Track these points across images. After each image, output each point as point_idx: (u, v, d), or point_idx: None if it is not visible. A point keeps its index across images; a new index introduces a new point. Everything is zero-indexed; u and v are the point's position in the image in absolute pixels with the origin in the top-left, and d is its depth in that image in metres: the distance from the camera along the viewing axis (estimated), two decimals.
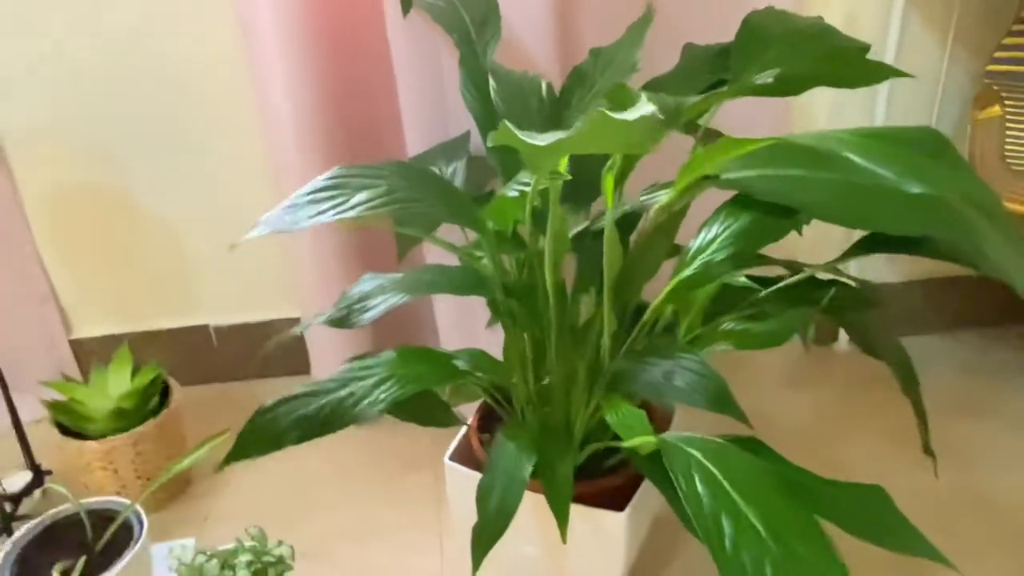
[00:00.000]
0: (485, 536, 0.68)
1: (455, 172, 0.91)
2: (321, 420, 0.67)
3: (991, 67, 1.11)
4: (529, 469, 0.69)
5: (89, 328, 1.34)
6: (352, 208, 0.55)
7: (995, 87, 1.12)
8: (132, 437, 1.04)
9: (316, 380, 0.69)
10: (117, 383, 1.10)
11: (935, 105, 1.23)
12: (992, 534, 0.99)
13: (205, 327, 1.34)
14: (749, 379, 1.33)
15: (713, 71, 0.85)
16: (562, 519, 0.68)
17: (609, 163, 0.58)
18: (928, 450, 0.82)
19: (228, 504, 1.12)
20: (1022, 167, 1.10)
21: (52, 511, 0.91)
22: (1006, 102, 1.11)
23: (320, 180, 0.57)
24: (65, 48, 1.14)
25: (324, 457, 1.19)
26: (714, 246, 0.64)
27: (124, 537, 0.89)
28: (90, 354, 1.33)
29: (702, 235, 0.65)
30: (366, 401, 0.67)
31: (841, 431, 1.18)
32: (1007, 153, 1.11)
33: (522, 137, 0.46)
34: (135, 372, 1.11)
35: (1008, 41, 1.09)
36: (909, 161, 0.46)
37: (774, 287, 0.70)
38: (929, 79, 1.22)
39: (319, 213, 0.55)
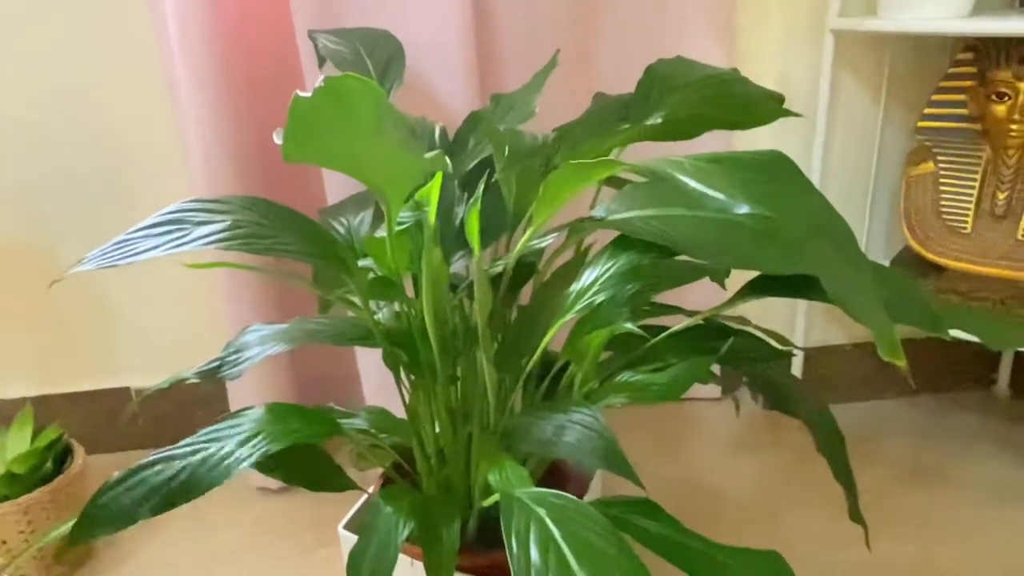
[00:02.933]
0: None
1: (362, 221, 0.87)
2: (178, 487, 0.61)
3: (922, 123, 1.10)
4: (403, 536, 0.63)
5: (8, 389, 1.28)
6: (190, 243, 0.51)
7: (927, 143, 1.11)
8: (22, 504, 0.97)
9: (175, 444, 0.63)
10: (15, 446, 1.04)
11: (873, 161, 1.22)
12: None
13: (126, 389, 1.28)
14: (699, 442, 1.27)
15: (622, 119, 0.83)
16: None
17: (473, 198, 0.55)
18: (856, 517, 0.76)
19: None
20: (957, 223, 1.07)
21: None
22: (939, 158, 1.10)
23: (158, 215, 0.53)
24: None
25: (237, 529, 1.12)
26: (594, 288, 0.60)
27: None
28: (7, 417, 1.27)
29: (584, 277, 0.61)
30: (229, 460, 0.61)
31: (792, 499, 1.11)
32: (942, 209, 1.09)
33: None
34: (36, 434, 1.05)
35: (937, 97, 1.08)
36: (744, 183, 0.43)
37: (662, 335, 0.65)
38: (866, 135, 1.21)
39: (152, 248, 0.51)
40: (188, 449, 0.63)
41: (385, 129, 0.39)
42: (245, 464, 0.63)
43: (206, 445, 0.63)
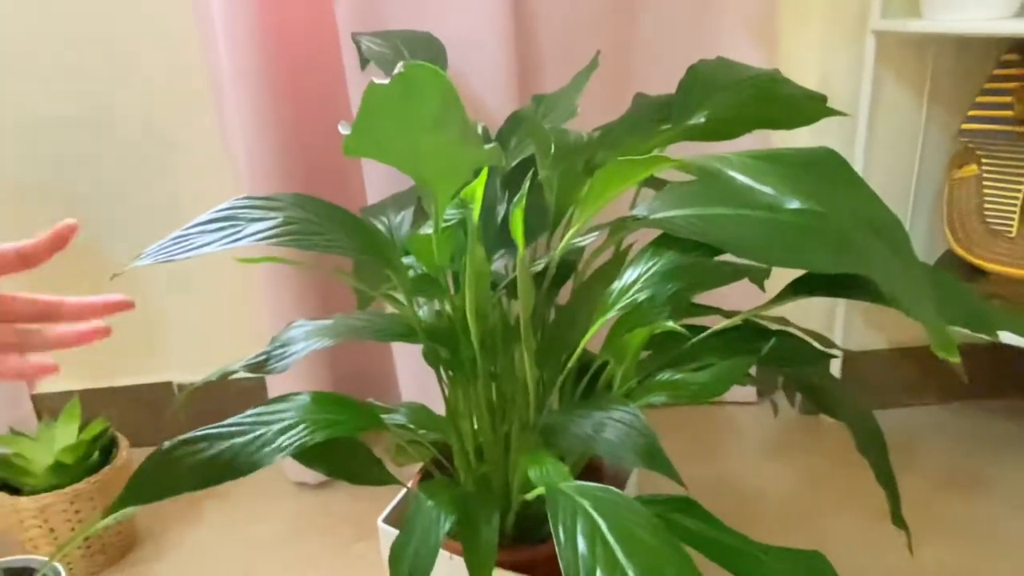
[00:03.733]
0: None
1: (403, 220, 0.88)
2: (222, 465, 0.62)
3: (965, 125, 1.08)
4: (445, 530, 0.64)
5: (57, 383, 1.31)
6: (243, 239, 0.53)
7: (971, 145, 1.09)
8: (68, 494, 1.00)
9: (222, 423, 0.65)
10: (63, 438, 1.07)
11: (915, 163, 1.20)
12: None
13: (168, 384, 1.31)
14: (734, 445, 1.26)
15: (662, 119, 0.83)
16: None
17: (518, 196, 0.56)
18: (898, 521, 0.75)
19: (170, 569, 1.06)
20: (1001, 226, 1.05)
21: None
22: (983, 161, 1.08)
23: (212, 211, 0.55)
24: (31, 100, 1.15)
25: (277, 521, 1.14)
26: (636, 287, 0.60)
27: None
28: (54, 410, 1.31)
29: (626, 276, 0.62)
30: (271, 447, 0.62)
31: (829, 504, 1.10)
32: (986, 212, 1.07)
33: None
34: (83, 427, 1.08)
35: (981, 99, 1.07)
36: (794, 179, 0.43)
37: (704, 334, 0.65)
38: (908, 137, 1.19)
39: (207, 243, 0.52)
40: (235, 429, 0.64)
41: (448, 121, 0.40)
42: (287, 451, 0.64)
43: (252, 427, 0.65)
